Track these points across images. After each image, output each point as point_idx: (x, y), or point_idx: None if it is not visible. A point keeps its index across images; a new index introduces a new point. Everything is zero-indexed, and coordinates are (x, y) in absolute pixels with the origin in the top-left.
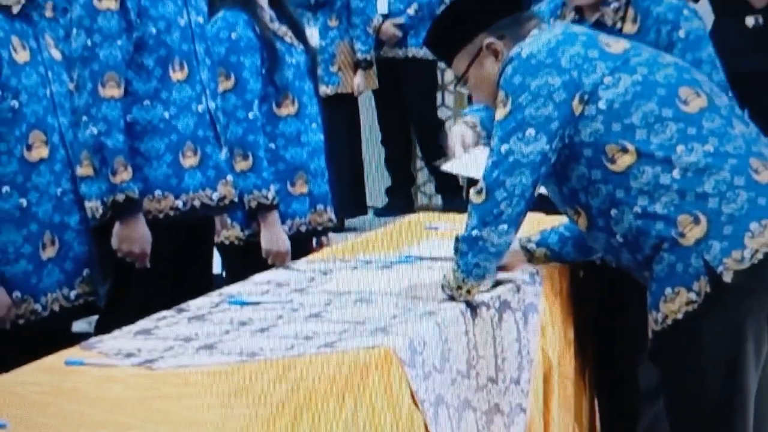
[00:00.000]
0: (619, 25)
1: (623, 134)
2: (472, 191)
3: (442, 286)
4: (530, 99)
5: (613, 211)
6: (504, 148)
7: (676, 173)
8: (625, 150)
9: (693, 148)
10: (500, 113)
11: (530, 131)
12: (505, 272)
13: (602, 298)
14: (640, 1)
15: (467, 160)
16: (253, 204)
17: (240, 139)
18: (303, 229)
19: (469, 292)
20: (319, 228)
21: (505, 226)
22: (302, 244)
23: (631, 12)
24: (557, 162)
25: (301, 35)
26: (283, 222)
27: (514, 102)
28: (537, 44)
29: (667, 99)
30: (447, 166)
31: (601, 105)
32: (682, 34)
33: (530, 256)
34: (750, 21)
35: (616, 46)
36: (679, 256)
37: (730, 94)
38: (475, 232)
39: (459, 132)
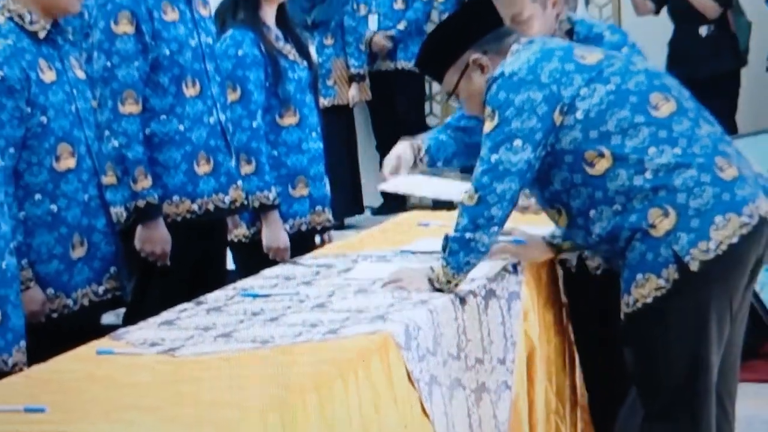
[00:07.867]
0: None
1: (600, 140)
2: (463, 194)
3: (430, 280)
4: (515, 113)
5: (592, 212)
6: (494, 157)
7: (648, 174)
8: (602, 155)
9: (663, 150)
10: (488, 126)
11: (517, 142)
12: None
13: (586, 287)
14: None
15: (407, 182)
16: (256, 204)
17: (244, 145)
18: (303, 228)
19: (456, 285)
20: (318, 227)
21: (496, 228)
22: (305, 241)
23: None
24: (541, 168)
25: (305, 53)
26: (285, 221)
27: (501, 116)
28: (518, 63)
29: (639, 105)
30: (385, 186)
31: (579, 115)
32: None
33: (557, 249)
34: (703, 30)
35: (591, 57)
36: (649, 246)
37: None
38: (468, 235)
39: (397, 153)
